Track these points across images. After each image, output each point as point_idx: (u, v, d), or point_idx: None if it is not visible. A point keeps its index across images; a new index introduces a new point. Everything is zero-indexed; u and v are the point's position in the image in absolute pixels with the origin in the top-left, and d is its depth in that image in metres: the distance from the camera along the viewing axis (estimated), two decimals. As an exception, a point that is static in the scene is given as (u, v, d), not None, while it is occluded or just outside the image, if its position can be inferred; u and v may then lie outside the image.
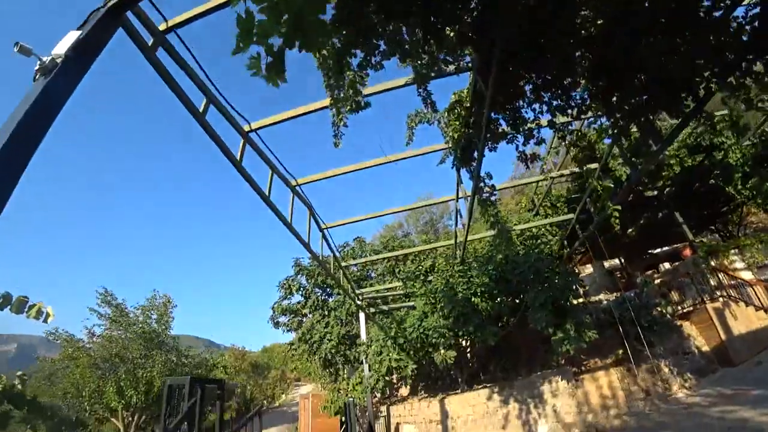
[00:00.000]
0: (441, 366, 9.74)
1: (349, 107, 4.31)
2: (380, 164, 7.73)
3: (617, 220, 6.80)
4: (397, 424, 12.74)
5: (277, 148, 6.29)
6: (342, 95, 4.43)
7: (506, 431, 9.77)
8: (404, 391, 16.07)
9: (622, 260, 22.48)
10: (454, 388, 12.40)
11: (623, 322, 10.54)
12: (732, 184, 14.43)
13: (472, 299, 9.02)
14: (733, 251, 13.81)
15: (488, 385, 10.87)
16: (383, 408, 13.86)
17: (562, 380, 10.03)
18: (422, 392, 14.19)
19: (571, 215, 10.59)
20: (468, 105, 6.20)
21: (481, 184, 6.09)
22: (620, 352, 10.60)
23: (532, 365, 11.89)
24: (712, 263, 12.83)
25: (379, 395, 16.10)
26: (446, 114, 6.49)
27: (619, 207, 6.75)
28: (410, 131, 6.70)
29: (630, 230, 18.37)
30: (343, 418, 12.21)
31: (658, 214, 16.41)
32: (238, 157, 5.42)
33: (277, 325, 18.10)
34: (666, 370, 10.03)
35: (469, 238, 9.68)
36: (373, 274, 17.43)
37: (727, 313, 10.92)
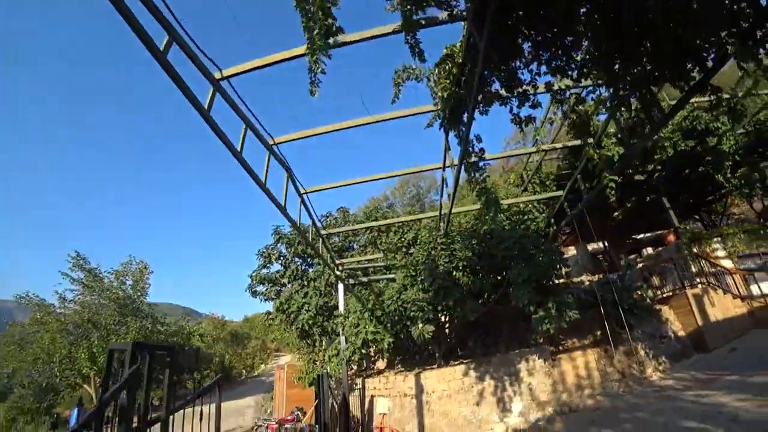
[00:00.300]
0: (418, 340, 9.53)
1: (320, 38, 3.77)
2: (364, 124, 7.22)
3: (613, 191, 6.45)
4: (372, 396, 12.64)
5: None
6: (316, 31, 3.89)
7: (480, 407, 9.69)
8: (381, 364, 16.02)
9: (606, 244, 22.54)
10: (431, 362, 12.31)
11: (604, 303, 10.44)
12: (722, 171, 14.33)
13: (454, 273, 8.72)
14: (716, 239, 13.80)
15: (465, 361, 10.74)
16: (359, 380, 13.76)
17: (539, 359, 9.93)
18: (399, 366, 14.11)
19: (560, 192, 10.29)
20: (460, 61, 5.69)
21: (470, 148, 5.65)
22: (599, 333, 10.54)
23: (511, 343, 11.81)
24: (695, 250, 12.79)
25: (355, 368, 16.01)
26: (436, 70, 5.97)
27: (617, 177, 6.40)
28: (397, 88, 6.17)
29: (616, 213, 18.30)
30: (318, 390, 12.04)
31: (646, 198, 16.27)
32: (206, 106, 4.87)
33: (255, 294, 17.71)
34: (642, 353, 10.00)
35: (454, 210, 9.32)
36: (355, 246, 17.06)
37: (705, 299, 10.91)
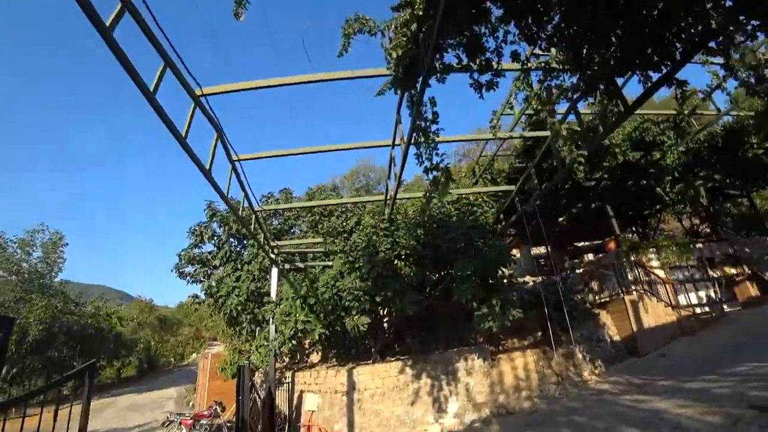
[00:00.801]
0: (353, 333, 8.76)
1: None
2: (309, 82, 6.30)
3: (581, 167, 6.02)
4: (301, 391, 11.71)
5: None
6: None
7: (415, 407, 9.10)
8: (315, 357, 15.07)
9: (549, 249, 23.06)
10: (367, 358, 11.59)
11: (548, 304, 10.28)
12: (662, 185, 14.85)
13: (395, 262, 8.04)
14: (651, 250, 14.26)
15: (402, 357, 10.13)
16: (288, 374, 12.78)
17: (478, 358, 9.52)
18: (333, 360, 13.28)
19: (512, 186, 9.94)
20: (420, 13, 4.92)
21: (422, 110, 4.92)
22: (539, 334, 10.33)
23: (451, 341, 11.37)
24: (633, 258, 13.08)
25: (287, 360, 15.00)
26: (392, 24, 5.19)
27: (586, 153, 5.97)
28: (346, 39, 5.33)
29: (561, 219, 18.65)
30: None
31: (591, 205, 16.62)
32: (107, 24, 3.62)
33: (182, 275, 16.10)
34: (580, 356, 9.89)
35: (401, 195, 8.63)
36: (297, 231, 15.99)
37: (640, 306, 11.07)
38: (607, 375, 9.50)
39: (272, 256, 11.24)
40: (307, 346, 15.29)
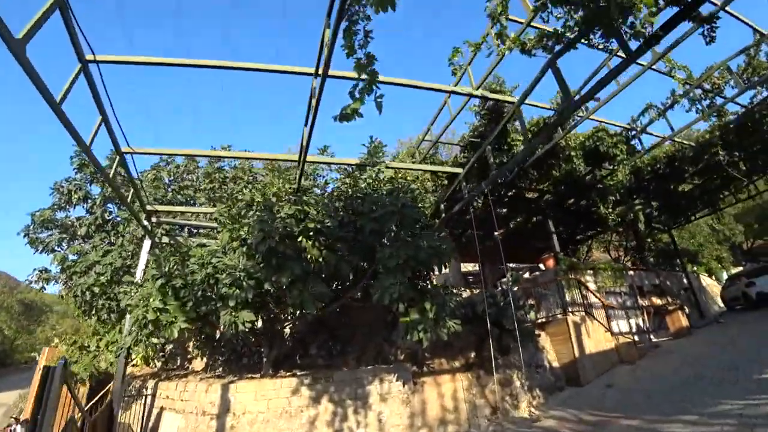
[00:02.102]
0: (229, 333, 6.20)
1: None
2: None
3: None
4: (162, 409, 8.79)
5: None
6: None
7: (307, 441, 6.74)
8: (199, 364, 12.03)
9: (481, 266, 21.99)
10: (258, 369, 9.02)
11: (483, 320, 8.57)
12: (605, 205, 14.17)
13: (301, 241, 5.75)
14: (589, 272, 13.38)
15: (299, 373, 7.74)
16: (151, 383, 9.77)
17: (397, 381, 7.44)
18: (220, 369, 10.45)
19: (459, 169, 8.15)
20: None
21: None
22: (473, 355, 8.53)
23: (367, 355, 9.21)
24: (572, 277, 11.97)
25: (159, 364, 11.83)
26: None
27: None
28: None
29: (497, 232, 17.54)
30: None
31: (532, 219, 15.63)
32: None
33: (33, 242, 12.22)
34: (518, 383, 8.22)
35: (320, 159, 6.38)
36: (197, 205, 12.94)
37: (582, 328, 9.80)
38: (547, 407, 7.90)
39: (145, 223, 8.34)
40: (190, 349, 12.24)
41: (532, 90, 6.29)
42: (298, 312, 6.91)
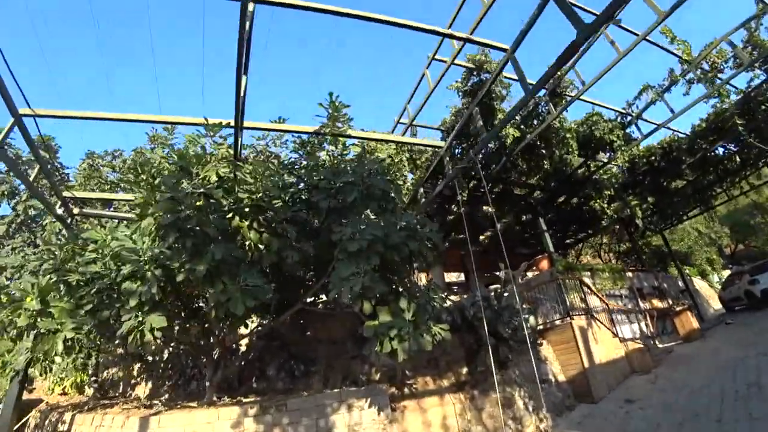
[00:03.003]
0: (132, 346, 4.46)
1: None
2: None
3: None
4: (72, 453, 6.90)
5: None
6: None
7: (249, 496, 5.02)
8: (143, 389, 10.04)
9: (465, 274, 20.57)
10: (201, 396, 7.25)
11: (475, 328, 7.08)
12: (600, 200, 13.05)
13: (234, 219, 4.20)
14: (586, 273, 12.09)
15: (245, 401, 6.02)
16: (68, 416, 7.85)
17: (370, 407, 5.83)
18: (166, 397, 8.58)
19: (440, 142, 6.77)
20: None
21: None
22: (464, 371, 6.97)
23: (334, 375, 7.57)
24: (572, 277, 10.61)
25: (91, 391, 9.88)
26: None
27: None
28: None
29: (483, 237, 16.21)
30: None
31: (521, 218, 14.37)
32: None
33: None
34: (520, 403, 6.68)
35: (264, 126, 4.92)
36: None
37: (590, 334, 8.39)
38: (557, 430, 6.38)
39: (59, 211, 6.64)
40: (136, 373, 10.28)
41: (528, 32, 5.04)
42: (227, 319, 5.22)
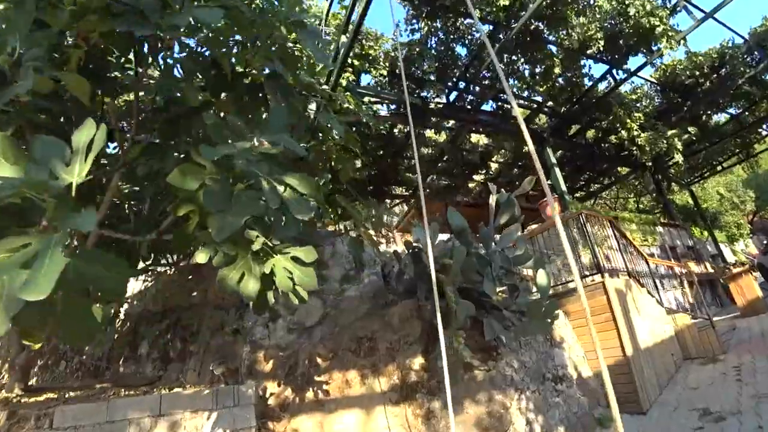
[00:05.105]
0: None
1: None
2: None
3: None
4: None
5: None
6: None
7: None
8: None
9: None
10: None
11: (440, 288, 3.91)
12: (627, 127, 9.76)
13: None
14: (607, 224, 8.97)
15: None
16: None
17: (217, 427, 2.72)
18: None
19: None
20: None
21: None
22: (416, 364, 3.81)
23: (206, 361, 4.53)
24: (594, 224, 7.43)
25: None
26: None
27: None
28: None
29: (474, 184, 12.95)
30: None
31: (522, 150, 11.00)
32: None
33: None
34: (517, 418, 3.58)
35: None
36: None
37: (629, 302, 5.29)
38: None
39: None
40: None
41: None
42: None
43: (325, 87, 4.43)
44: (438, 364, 3.48)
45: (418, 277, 3.95)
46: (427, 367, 3.62)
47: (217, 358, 4.53)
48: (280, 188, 1.87)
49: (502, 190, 4.50)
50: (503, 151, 10.68)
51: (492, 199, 4.53)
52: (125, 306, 6.13)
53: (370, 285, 4.66)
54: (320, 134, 3.48)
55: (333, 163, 4.24)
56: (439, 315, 2.32)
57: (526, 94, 9.01)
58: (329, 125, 3.20)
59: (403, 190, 11.18)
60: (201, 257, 1.95)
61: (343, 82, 6.26)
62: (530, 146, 1.70)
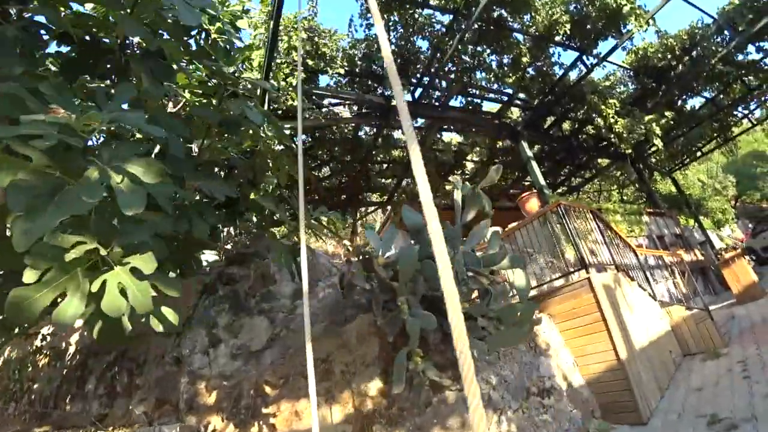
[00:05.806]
0: None
1: None
2: None
3: None
4: None
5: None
6: None
7: None
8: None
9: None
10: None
11: (391, 291, 3.36)
12: (606, 106, 9.40)
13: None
14: (590, 216, 8.55)
15: None
16: None
17: None
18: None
19: None
20: None
21: None
22: (373, 388, 3.23)
23: (150, 395, 3.91)
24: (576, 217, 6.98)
25: None
26: None
27: None
28: None
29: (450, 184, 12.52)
30: None
31: (496, 144, 10.56)
32: None
33: None
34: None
35: None
36: None
37: (619, 297, 4.79)
38: None
39: None
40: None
41: None
42: None
43: (250, 76, 3.90)
44: (401, 384, 2.91)
45: (371, 288, 3.39)
46: (386, 392, 3.05)
47: (155, 393, 3.92)
48: (117, 178, 1.33)
49: (466, 182, 3.99)
50: (478, 149, 10.25)
51: (457, 194, 4.02)
52: (75, 337, 5.55)
53: (326, 299, 4.09)
54: (242, 128, 2.93)
55: (271, 164, 3.70)
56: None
57: (495, 87, 8.61)
58: (246, 116, 2.65)
59: (378, 197, 10.65)
60: (29, 276, 1.40)
61: (293, 81, 5.76)
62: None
